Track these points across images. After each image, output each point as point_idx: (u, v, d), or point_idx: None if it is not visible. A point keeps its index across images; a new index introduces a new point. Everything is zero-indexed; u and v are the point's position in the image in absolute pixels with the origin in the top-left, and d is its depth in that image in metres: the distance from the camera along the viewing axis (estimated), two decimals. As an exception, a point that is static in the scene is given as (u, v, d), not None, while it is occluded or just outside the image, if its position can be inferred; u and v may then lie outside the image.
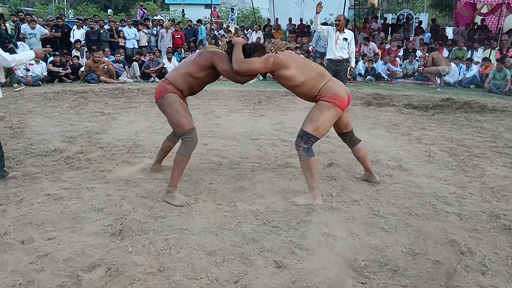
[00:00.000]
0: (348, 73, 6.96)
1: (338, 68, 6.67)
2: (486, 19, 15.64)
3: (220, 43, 3.26)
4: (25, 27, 10.37)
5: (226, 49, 3.13)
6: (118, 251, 2.36)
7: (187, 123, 3.12)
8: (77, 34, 11.40)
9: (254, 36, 14.23)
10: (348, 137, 3.40)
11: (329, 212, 2.87)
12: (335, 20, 6.84)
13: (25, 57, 3.69)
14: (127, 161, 4.02)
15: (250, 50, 3.08)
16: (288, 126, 5.58)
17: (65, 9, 27.49)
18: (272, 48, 3.06)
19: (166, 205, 2.99)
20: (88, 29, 11.52)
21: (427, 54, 11.62)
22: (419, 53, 12.26)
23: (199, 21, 15.04)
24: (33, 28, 10.31)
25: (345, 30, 6.62)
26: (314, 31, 12.45)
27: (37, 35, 10.34)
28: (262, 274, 2.16)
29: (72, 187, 3.33)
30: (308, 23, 19.62)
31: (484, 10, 15.62)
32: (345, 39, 6.54)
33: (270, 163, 4.02)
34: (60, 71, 9.59)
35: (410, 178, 3.57)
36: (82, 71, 9.80)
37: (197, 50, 3.44)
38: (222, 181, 3.51)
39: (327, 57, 6.92)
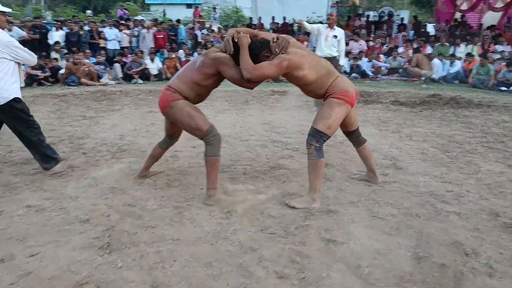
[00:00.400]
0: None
1: None
2: (466, 16, 15.86)
3: (221, 44, 3.07)
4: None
5: (231, 52, 2.89)
6: (107, 267, 2.21)
7: (203, 123, 2.97)
8: (56, 36, 11.08)
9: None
10: (354, 136, 3.31)
11: (327, 215, 2.77)
12: (328, 15, 6.77)
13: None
14: (112, 167, 3.85)
15: (258, 49, 2.90)
16: (277, 126, 5.48)
17: (43, 10, 26.81)
18: (277, 49, 2.87)
19: (155, 214, 2.84)
20: (68, 30, 11.20)
21: (410, 51, 11.70)
22: (400, 49, 12.34)
23: (178, 21, 14.73)
24: (10, 30, 9.94)
25: (335, 27, 6.53)
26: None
27: (14, 37, 9.97)
28: (263, 286, 2.04)
29: (55, 197, 3.14)
30: (291, 22, 19.59)
31: (464, 7, 15.83)
32: (335, 36, 6.45)
33: (262, 165, 3.90)
34: (39, 74, 9.28)
35: (406, 176, 3.50)
36: (62, 74, 9.51)
37: (191, 55, 3.22)
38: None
39: (316, 54, 6.83)
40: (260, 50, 2.90)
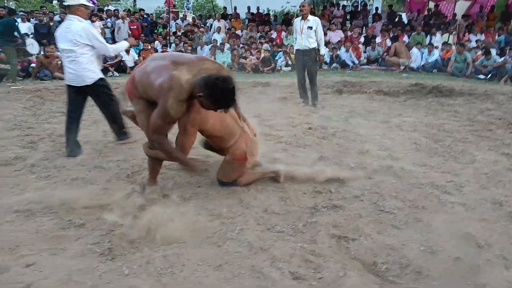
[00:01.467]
0: (317, 61, 6.61)
1: (305, 58, 6.39)
2: (440, 5, 16.13)
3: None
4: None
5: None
6: (112, 275, 2.08)
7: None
8: (23, 28, 10.50)
9: (216, 25, 13.84)
10: None
11: (333, 210, 2.72)
12: (300, 6, 6.56)
13: (121, 46, 4.39)
14: (100, 166, 3.67)
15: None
16: (267, 119, 5.37)
17: (5, 0, 25.46)
18: None
19: (157, 216, 2.69)
20: (37, 22, 10.66)
21: (388, 40, 11.83)
22: (378, 39, 12.44)
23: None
24: (-27, 21, 9.36)
25: (310, 17, 6.34)
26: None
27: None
28: (281, 288, 1.97)
29: (44, 200, 2.93)
30: (266, 12, 19.39)
31: (436, -5, 16.08)
32: (310, 27, 6.28)
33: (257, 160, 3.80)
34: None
35: (404, 168, 3.49)
36: (33, 68, 9.05)
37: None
38: (210, 183, 3.25)
39: (295, 47, 6.64)
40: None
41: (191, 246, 2.33)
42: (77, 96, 4.06)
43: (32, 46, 9.39)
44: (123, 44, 4.40)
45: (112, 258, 2.23)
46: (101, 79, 4.03)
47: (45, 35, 10.47)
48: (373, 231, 2.44)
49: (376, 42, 12.13)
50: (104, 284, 2.00)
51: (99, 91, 4.07)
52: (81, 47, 3.79)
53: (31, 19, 11.02)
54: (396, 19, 14.66)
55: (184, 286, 1.99)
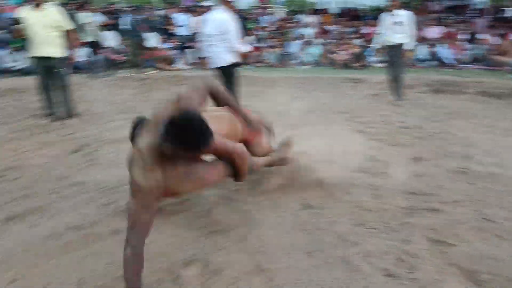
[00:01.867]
0: (403, 58, 6.19)
1: (392, 54, 6.13)
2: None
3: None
4: (83, 15, 10.54)
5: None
6: (211, 247, 2.28)
7: None
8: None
9: (306, 20, 13.81)
10: None
11: (431, 213, 2.61)
12: (390, 0, 6.24)
13: (243, 48, 4.79)
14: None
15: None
16: (358, 115, 5.27)
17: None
18: None
19: (249, 200, 2.84)
20: (144, 16, 11.59)
21: (493, 38, 10.78)
22: (482, 36, 11.38)
23: None
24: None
25: (400, 11, 6.00)
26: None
27: (95, 22, 10.49)
28: (372, 282, 1.97)
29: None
30: (356, 7, 18.77)
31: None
32: (398, 22, 5.95)
33: (349, 156, 3.77)
34: (120, 58, 9.71)
35: (513, 176, 3.20)
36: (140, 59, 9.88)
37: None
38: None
39: (384, 43, 6.36)
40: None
41: (284, 231, 2.43)
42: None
43: (153, 39, 10.28)
44: (244, 47, 4.89)
45: (210, 232, 2.42)
46: (233, 64, 4.59)
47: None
48: (474, 238, 2.31)
49: (479, 39, 11.13)
50: (203, 254, 2.20)
51: (230, 73, 4.64)
52: (220, 34, 4.41)
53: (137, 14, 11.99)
54: (502, 15, 13.25)
55: (276, 266, 2.09)
